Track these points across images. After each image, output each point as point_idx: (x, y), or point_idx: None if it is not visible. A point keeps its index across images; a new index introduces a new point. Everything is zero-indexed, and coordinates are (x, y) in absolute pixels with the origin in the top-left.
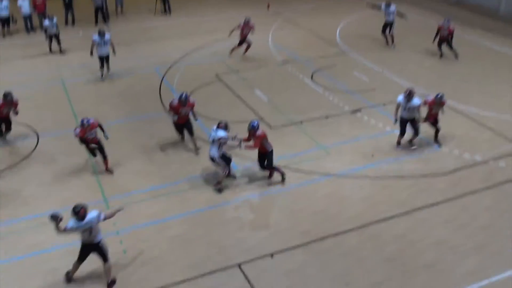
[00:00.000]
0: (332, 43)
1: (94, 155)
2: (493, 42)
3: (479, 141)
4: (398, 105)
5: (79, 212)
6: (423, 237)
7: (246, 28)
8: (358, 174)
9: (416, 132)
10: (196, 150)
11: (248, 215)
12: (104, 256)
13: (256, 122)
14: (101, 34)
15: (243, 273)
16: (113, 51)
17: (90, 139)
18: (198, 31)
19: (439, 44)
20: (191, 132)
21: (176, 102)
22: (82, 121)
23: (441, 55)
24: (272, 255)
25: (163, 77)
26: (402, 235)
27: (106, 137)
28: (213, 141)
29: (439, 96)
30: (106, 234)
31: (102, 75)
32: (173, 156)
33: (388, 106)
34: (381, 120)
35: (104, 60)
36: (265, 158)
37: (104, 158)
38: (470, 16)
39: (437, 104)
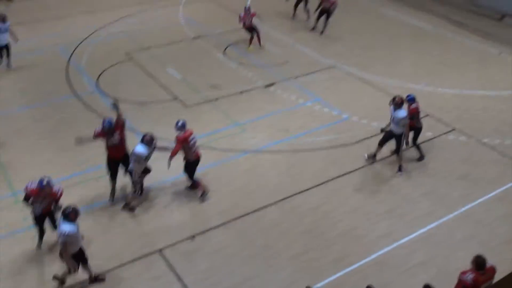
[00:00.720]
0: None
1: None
2: (398, 12)
3: (386, 109)
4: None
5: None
6: (338, 206)
7: (247, 18)
8: (274, 148)
9: (396, 149)
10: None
11: (166, 199)
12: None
13: (180, 122)
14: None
15: (164, 258)
16: (14, 38)
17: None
18: (105, 6)
19: (319, 16)
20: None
21: (100, 130)
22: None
23: (313, 28)
24: (193, 237)
25: (69, 58)
26: (318, 206)
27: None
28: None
29: (409, 97)
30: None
31: (5, 64)
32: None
33: (300, 78)
34: (294, 93)
35: (3, 49)
36: (187, 166)
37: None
38: None
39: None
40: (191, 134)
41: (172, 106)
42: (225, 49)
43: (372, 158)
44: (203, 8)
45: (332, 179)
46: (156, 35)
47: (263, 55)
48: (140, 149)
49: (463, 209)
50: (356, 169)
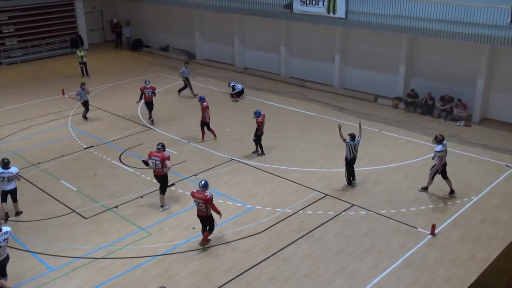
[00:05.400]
0: (135, 121)
1: None
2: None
3: (288, 195)
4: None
5: None
6: None
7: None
8: (184, 248)
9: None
10: None
11: None
12: None
13: (203, 181)
14: None
15: None
16: None
17: None
18: None
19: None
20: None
21: None
22: None
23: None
24: None
25: None
26: None
27: None
28: None
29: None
30: None
31: None
32: None
33: (199, 175)
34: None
35: None
36: None
37: None
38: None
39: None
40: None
41: (69, 220)
42: (120, 155)
43: (425, 189)
44: (93, 116)
45: (245, 271)
46: (46, 149)
47: None
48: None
49: (375, 280)
50: (267, 258)
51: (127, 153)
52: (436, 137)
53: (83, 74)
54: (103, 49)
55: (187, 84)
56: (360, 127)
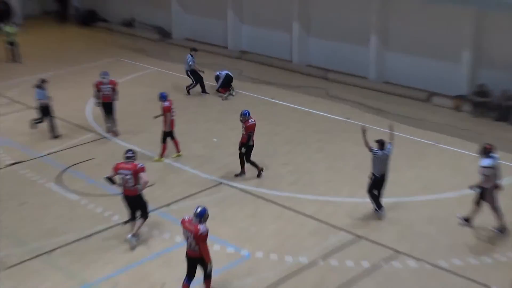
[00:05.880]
0: (84, 126)
1: None
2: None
3: (301, 236)
4: None
5: None
6: None
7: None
8: None
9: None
10: None
11: None
12: None
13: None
14: None
15: None
16: None
17: None
18: None
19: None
20: None
21: None
22: None
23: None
24: None
25: None
26: None
27: None
28: None
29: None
30: None
31: None
32: None
33: (174, 206)
34: (167, 229)
35: None
36: None
37: None
38: None
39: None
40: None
41: None
42: (61, 175)
43: (468, 221)
44: (23, 119)
45: None
46: None
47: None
48: None
49: None
50: None
51: (69, 173)
52: (484, 148)
53: (13, 59)
54: (42, 24)
55: (193, 80)
56: (391, 131)
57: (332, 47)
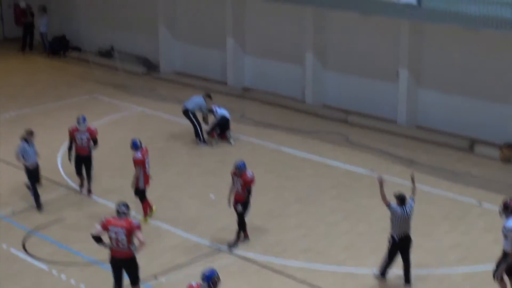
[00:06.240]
0: (54, 179)
1: None
2: None
3: None
4: None
5: None
6: None
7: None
8: None
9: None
10: None
11: None
12: None
13: None
14: None
15: None
16: None
17: None
18: None
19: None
20: None
21: None
22: None
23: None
24: None
25: None
26: None
27: None
28: None
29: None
30: None
31: None
32: None
33: (162, 278)
34: None
35: None
36: None
37: None
38: None
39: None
40: None
41: None
42: (25, 241)
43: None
44: None
45: None
46: None
47: (89, 242)
48: None
49: None
50: None
51: (37, 237)
52: (505, 204)
53: None
54: (1, 52)
55: (194, 122)
56: (413, 182)
57: (354, 83)
